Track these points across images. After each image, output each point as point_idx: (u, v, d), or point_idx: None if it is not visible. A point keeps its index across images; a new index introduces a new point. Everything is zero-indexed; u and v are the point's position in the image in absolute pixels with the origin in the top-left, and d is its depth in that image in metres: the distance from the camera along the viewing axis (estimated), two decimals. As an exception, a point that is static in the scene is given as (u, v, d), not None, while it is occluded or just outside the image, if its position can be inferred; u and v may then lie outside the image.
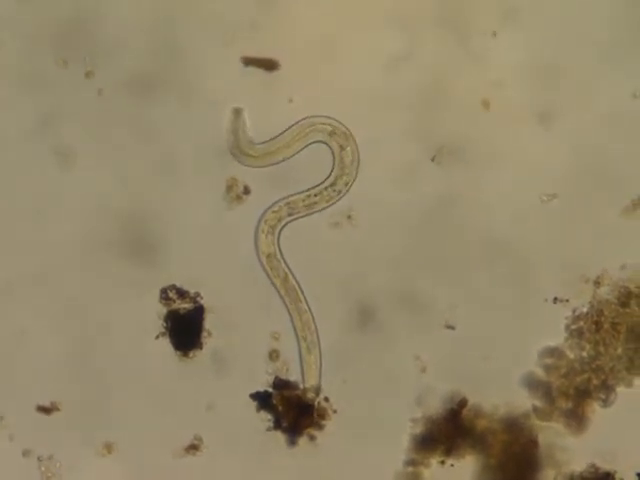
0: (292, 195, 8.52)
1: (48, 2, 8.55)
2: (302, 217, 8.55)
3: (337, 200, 8.53)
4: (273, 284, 8.56)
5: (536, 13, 8.46)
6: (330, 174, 8.52)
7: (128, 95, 8.52)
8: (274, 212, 8.52)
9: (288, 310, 8.57)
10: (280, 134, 8.47)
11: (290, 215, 8.52)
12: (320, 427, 8.57)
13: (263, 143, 8.50)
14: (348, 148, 8.45)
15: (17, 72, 8.60)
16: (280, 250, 8.56)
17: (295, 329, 8.58)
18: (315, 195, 8.52)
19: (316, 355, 8.57)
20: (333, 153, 8.52)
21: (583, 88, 8.47)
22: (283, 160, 8.50)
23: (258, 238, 8.55)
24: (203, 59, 8.45)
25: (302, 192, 8.52)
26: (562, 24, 8.46)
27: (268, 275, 8.56)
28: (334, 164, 8.51)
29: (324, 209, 8.55)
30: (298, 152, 8.51)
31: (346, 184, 8.51)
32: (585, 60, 8.46)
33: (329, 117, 8.47)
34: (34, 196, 8.66)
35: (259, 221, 8.54)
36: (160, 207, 8.58)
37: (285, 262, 8.55)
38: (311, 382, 8.57)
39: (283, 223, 8.55)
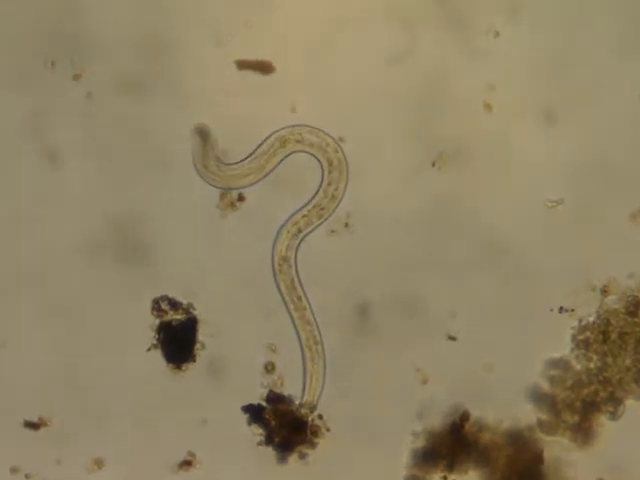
0: (313, 197, 8.49)
1: (37, 3, 8.47)
2: (331, 214, 8.46)
3: (348, 172, 8.42)
4: (279, 290, 8.50)
5: (539, 12, 8.41)
6: (320, 163, 8.45)
7: (120, 97, 8.46)
8: (304, 216, 8.47)
9: (292, 317, 8.51)
10: (245, 159, 8.46)
11: (320, 217, 8.45)
12: (312, 445, 8.52)
13: (230, 164, 8.47)
14: (303, 135, 8.39)
15: (5, 73, 8.49)
16: (296, 256, 8.51)
17: (299, 338, 8.53)
18: (329, 184, 8.46)
19: (319, 366, 8.52)
20: (303, 150, 8.45)
21: (588, 90, 8.43)
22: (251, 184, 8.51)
23: (278, 239, 8.49)
24: (196, 60, 8.36)
25: (318, 190, 8.47)
26: (566, 24, 8.41)
27: (276, 280, 8.50)
28: (314, 155, 8.45)
29: (346, 187, 8.45)
30: (259, 179, 8.50)
31: (336, 151, 8.40)
32: (590, 62, 8.42)
33: (267, 137, 8.41)
34: (23, 199, 8.56)
35: (286, 221, 8.48)
36: (152, 214, 8.50)
37: (296, 268, 8.51)
38: (309, 396, 8.51)
39: (310, 229, 8.49)
